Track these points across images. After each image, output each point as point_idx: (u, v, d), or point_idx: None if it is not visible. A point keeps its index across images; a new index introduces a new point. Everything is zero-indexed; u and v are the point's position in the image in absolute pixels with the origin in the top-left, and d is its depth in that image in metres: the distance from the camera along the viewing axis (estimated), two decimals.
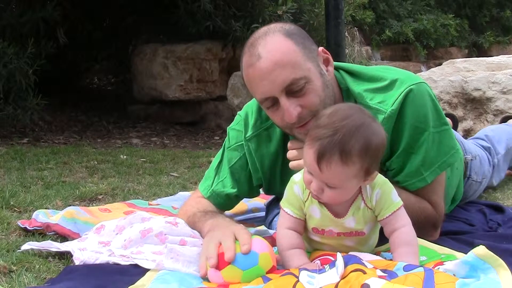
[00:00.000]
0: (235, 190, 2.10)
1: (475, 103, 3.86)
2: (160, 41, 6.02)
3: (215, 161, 2.18)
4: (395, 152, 1.90)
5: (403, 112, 1.86)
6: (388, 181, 1.74)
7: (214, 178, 2.14)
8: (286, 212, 1.76)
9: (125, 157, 4.10)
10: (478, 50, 9.48)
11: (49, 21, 5.11)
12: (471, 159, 2.49)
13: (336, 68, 1.99)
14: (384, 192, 1.70)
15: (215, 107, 5.95)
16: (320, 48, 1.90)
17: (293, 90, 1.79)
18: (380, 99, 1.88)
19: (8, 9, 4.96)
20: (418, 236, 1.74)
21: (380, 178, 1.72)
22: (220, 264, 1.61)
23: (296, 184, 1.75)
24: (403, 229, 1.69)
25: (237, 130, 2.12)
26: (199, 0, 5.42)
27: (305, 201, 1.74)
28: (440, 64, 4.71)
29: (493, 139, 2.84)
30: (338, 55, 4.88)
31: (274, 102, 1.83)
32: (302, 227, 1.77)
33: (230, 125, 2.17)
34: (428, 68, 7.02)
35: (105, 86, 7.88)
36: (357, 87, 1.94)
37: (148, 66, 5.87)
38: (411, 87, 1.87)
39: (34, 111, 4.72)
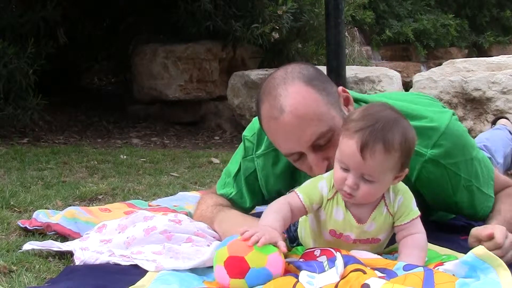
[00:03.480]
0: (251, 200, 2.12)
1: (475, 103, 3.86)
2: (160, 41, 6.01)
3: (233, 166, 2.15)
4: (457, 190, 1.92)
5: (447, 152, 1.86)
6: (409, 190, 1.75)
7: (233, 186, 2.13)
8: (296, 194, 1.73)
9: (125, 157, 4.10)
10: (478, 50, 9.46)
11: (49, 21, 5.10)
12: None
13: (356, 101, 1.95)
14: (406, 199, 1.73)
15: (215, 107, 5.95)
16: (340, 88, 1.85)
17: (320, 144, 1.76)
18: (418, 141, 1.79)
19: (8, 9, 4.95)
20: None
21: (402, 186, 1.75)
22: (231, 272, 1.54)
23: (324, 180, 1.74)
24: (417, 235, 1.71)
25: (251, 141, 2.10)
26: (199, 0, 5.42)
27: (329, 199, 1.72)
28: (440, 64, 4.71)
29: (491, 149, 2.86)
30: (338, 55, 4.86)
31: (300, 156, 1.80)
32: (301, 214, 1.75)
33: (246, 133, 2.13)
34: (428, 68, 7.01)
35: (105, 86, 7.88)
36: None
37: (148, 66, 5.86)
38: (446, 127, 1.87)
39: (34, 111, 4.72)
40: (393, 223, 1.73)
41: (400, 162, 1.65)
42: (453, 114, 1.94)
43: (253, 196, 2.11)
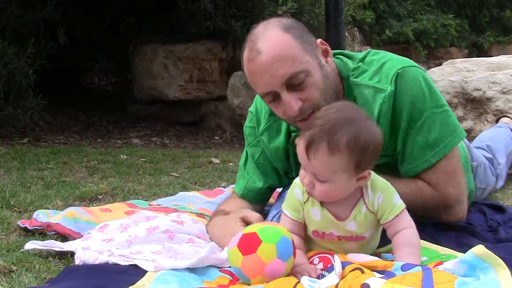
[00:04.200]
0: (264, 183, 2.19)
1: (475, 103, 3.86)
2: (160, 41, 6.01)
3: (241, 160, 2.28)
4: (397, 132, 1.94)
5: (399, 91, 1.90)
6: (390, 184, 1.74)
7: (244, 176, 2.23)
8: (285, 214, 1.77)
9: (125, 157, 4.10)
10: (478, 50, 9.46)
11: (49, 21, 5.10)
12: (477, 166, 2.50)
13: (336, 54, 2.04)
14: (386, 196, 1.71)
15: (215, 107, 5.95)
16: (319, 40, 1.93)
17: (293, 84, 1.82)
18: (378, 78, 1.93)
19: (8, 9, 4.95)
20: (434, 219, 1.77)
21: (381, 182, 1.73)
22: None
23: (297, 186, 1.76)
24: (407, 230, 1.70)
25: (250, 127, 2.21)
26: (199, 0, 5.42)
27: (305, 203, 1.74)
28: (440, 64, 4.71)
29: (493, 149, 2.85)
30: None
31: (275, 97, 1.87)
32: (301, 230, 1.77)
33: (245, 124, 2.25)
34: (428, 68, 7.01)
35: (105, 86, 7.87)
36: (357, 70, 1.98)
37: (148, 66, 5.86)
38: (404, 68, 1.92)
39: (34, 111, 4.72)
40: (377, 220, 1.72)
41: (353, 163, 1.61)
42: (420, 68, 1.98)
43: (266, 178, 2.20)
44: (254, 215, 1.94)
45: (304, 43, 1.85)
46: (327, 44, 1.95)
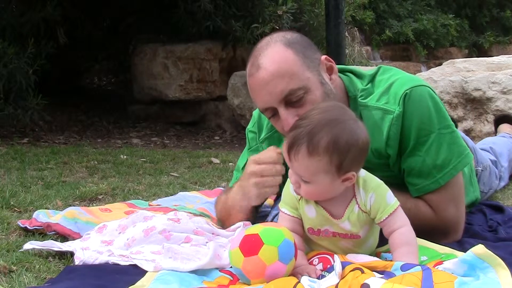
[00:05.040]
0: None
1: (475, 103, 3.86)
2: (160, 41, 6.01)
3: (241, 161, 2.24)
4: (403, 153, 1.91)
5: (407, 112, 1.88)
6: (383, 183, 1.73)
7: None
8: (284, 212, 1.77)
9: (125, 157, 4.10)
10: (478, 50, 9.48)
11: (49, 21, 5.10)
12: (482, 170, 2.49)
13: (345, 71, 2.01)
14: (379, 195, 1.70)
15: (215, 107, 5.95)
16: (324, 56, 1.90)
17: (291, 101, 1.81)
18: (386, 99, 1.90)
19: (8, 9, 4.95)
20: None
21: (373, 182, 1.72)
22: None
23: (291, 184, 1.76)
24: (402, 229, 1.70)
25: (252, 131, 2.19)
26: (199, 0, 5.42)
27: (299, 200, 1.74)
28: (440, 64, 4.71)
29: (497, 152, 2.86)
30: (338, 55, 4.87)
31: (274, 112, 1.85)
32: (301, 227, 1.77)
33: (248, 127, 2.23)
34: (428, 68, 7.02)
35: (105, 86, 7.88)
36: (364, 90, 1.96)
37: (148, 66, 5.86)
38: (412, 88, 1.88)
39: (34, 111, 4.72)
40: (372, 220, 1.72)
41: (334, 165, 1.61)
42: (428, 87, 1.93)
43: None
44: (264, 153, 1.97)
45: (306, 59, 1.83)
46: (333, 61, 1.92)
